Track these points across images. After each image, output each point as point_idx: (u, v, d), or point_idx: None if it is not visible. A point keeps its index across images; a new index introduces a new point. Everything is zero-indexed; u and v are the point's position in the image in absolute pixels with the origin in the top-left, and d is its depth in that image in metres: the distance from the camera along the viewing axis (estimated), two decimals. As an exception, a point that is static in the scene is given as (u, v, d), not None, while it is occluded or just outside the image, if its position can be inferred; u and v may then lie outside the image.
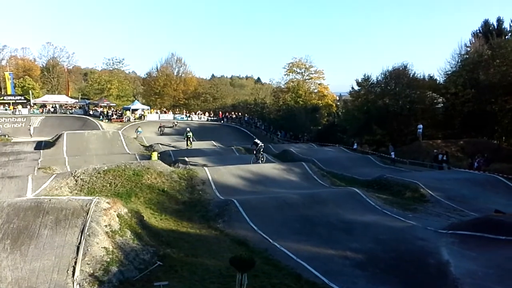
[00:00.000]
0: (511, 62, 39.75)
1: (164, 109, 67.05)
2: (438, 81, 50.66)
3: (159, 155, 31.25)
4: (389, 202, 19.42)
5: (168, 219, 16.12)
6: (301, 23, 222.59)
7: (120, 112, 61.33)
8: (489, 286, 10.32)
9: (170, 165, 24.42)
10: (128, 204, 15.83)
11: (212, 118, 63.68)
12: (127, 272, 10.09)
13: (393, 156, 35.44)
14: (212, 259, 11.94)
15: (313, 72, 68.17)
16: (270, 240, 13.80)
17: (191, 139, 41.50)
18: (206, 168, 22.95)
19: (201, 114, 64.57)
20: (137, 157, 32.67)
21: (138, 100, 71.70)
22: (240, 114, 65.45)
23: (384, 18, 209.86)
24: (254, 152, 27.70)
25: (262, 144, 28.26)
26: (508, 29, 49.36)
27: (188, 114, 64.15)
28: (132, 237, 11.59)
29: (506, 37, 46.80)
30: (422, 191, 20.95)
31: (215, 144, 42.92)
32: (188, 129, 43.68)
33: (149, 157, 29.76)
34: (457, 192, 21.07)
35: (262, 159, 27.34)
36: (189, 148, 39.17)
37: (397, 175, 24.77)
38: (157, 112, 63.04)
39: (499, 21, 50.63)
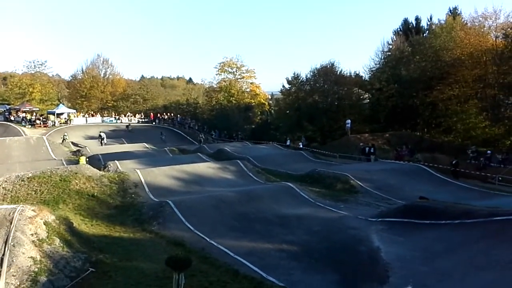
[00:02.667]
0: (429, 58, 42.37)
1: (92, 112, 64.45)
2: (363, 78, 52.96)
3: (87, 159, 29.99)
4: (321, 195, 20.02)
5: (99, 225, 15.49)
6: (231, 23, 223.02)
7: (44, 117, 58.09)
8: (417, 268, 10.94)
9: (99, 169, 23.53)
10: (56, 211, 15.02)
11: (143, 120, 62.12)
12: (57, 281, 9.61)
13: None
14: (148, 262, 11.65)
15: (244, 71, 68.48)
16: (207, 239, 13.70)
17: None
18: (138, 171, 22.32)
19: (131, 116, 62.78)
20: (64, 162, 31.24)
21: (63, 104, 68.14)
22: (172, 114, 64.40)
23: (312, 18, 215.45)
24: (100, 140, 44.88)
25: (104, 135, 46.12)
26: (426, 27, 52.53)
27: (117, 117, 62.11)
28: (62, 244, 11.05)
29: (424, 34, 49.78)
30: (352, 183, 21.82)
31: (147, 146, 41.96)
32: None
33: (76, 162, 28.46)
34: (384, 182, 22.14)
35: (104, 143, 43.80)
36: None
37: (329, 169, 25.61)
38: (84, 116, 60.45)
39: (417, 19, 53.83)
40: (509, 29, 36.86)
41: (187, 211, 16.17)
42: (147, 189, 20.22)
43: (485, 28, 40.83)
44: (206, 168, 24.44)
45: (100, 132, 47.94)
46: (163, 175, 22.23)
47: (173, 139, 50.81)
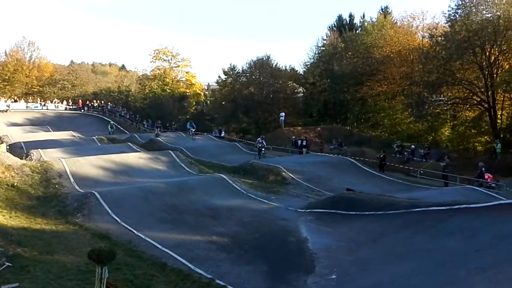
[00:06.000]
0: (361, 55, 43.97)
1: (15, 98, 60.57)
2: (298, 72, 53.93)
3: (8, 147, 28.17)
4: (254, 186, 20.19)
5: (19, 216, 14.58)
6: (166, 12, 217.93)
7: (-39, 102, 53.87)
8: (341, 257, 11.34)
9: (21, 158, 22.20)
10: (-31, 202, 14.00)
11: (71, 107, 59.37)
12: (-32, 277, 8.93)
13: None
14: (70, 256, 11.18)
15: (180, 60, 67.05)
16: (135, 231, 13.33)
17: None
18: (63, 160, 21.28)
19: (58, 103, 59.75)
20: (-18, 150, 29.09)
21: (-17, 88, 63.57)
22: (102, 102, 62.02)
23: (249, 11, 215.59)
24: None
25: None
26: (358, 24, 54.26)
27: (43, 103, 58.86)
28: (-26, 237, 10.30)
29: (357, 31, 51.42)
30: (284, 174, 22.23)
31: (74, 134, 40.17)
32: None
33: (-4, 150, 26.61)
34: (314, 174, 22.78)
35: None
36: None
37: (262, 160, 25.89)
38: (5, 101, 56.72)
39: (351, 16, 55.38)
40: (434, 29, 39.03)
41: (114, 202, 15.65)
42: (72, 180, 19.33)
43: (413, 28, 43.13)
44: (136, 158, 23.81)
45: None
46: (90, 165, 21.35)
47: (102, 128, 48.99)
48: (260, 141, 30.80)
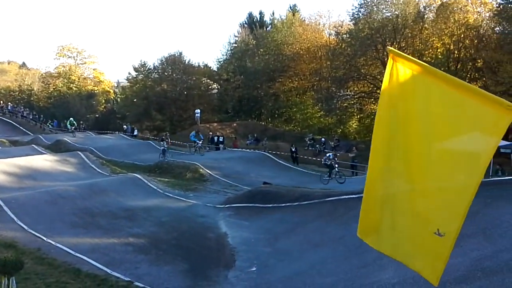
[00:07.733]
0: (272, 51, 45.02)
1: None
2: (212, 68, 53.94)
3: None
4: (171, 185, 19.88)
5: None
6: (70, 7, 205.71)
7: None
8: (260, 250, 11.57)
9: None
10: None
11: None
12: None
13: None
14: (-30, 270, 10.20)
15: (86, 56, 63.91)
16: (44, 238, 12.49)
17: None
18: (-43, 166, 19.38)
19: (-51, 105, 54.28)
20: None
21: None
22: (1, 102, 57.31)
23: (159, 7, 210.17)
24: None
25: None
26: (269, 21, 55.36)
27: None
28: None
29: (267, 28, 52.48)
30: (202, 171, 22.17)
31: (-30, 138, 36.68)
32: None
33: None
34: (232, 170, 22.98)
35: None
36: None
37: (178, 158, 25.56)
38: None
39: (261, 14, 56.31)
40: (339, 27, 41.07)
41: (19, 208, 14.54)
42: (-31, 187, 17.65)
43: (320, 26, 45.03)
44: (42, 161, 22.31)
45: None
46: (-10, 170, 19.65)
47: (3, 130, 45.29)
48: (332, 157, 21.34)
